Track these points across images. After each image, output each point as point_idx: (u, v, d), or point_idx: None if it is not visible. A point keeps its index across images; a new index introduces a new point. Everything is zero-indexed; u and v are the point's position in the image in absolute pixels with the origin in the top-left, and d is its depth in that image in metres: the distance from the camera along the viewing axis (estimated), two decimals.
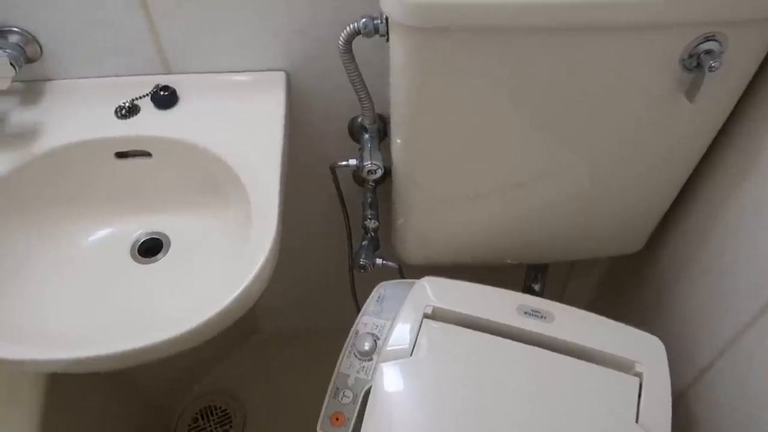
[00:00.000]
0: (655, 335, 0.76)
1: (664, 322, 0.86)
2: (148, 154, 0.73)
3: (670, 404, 0.70)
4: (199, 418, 1.20)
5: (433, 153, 0.71)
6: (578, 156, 0.73)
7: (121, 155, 0.73)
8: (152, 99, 0.74)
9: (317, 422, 0.75)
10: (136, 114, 0.73)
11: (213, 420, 1.20)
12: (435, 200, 0.78)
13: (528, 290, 0.98)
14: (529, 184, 0.77)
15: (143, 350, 0.54)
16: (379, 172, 0.74)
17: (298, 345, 1.29)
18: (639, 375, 0.72)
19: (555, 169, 0.75)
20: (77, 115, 0.73)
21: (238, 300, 0.58)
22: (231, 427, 1.19)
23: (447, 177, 0.74)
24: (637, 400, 0.70)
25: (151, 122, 0.73)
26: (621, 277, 1.04)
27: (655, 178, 0.77)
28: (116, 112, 0.73)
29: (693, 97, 0.61)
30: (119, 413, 1.02)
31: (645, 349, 0.74)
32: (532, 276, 0.99)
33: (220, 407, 1.22)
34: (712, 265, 0.75)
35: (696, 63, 0.60)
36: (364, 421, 0.71)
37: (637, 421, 0.69)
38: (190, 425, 1.19)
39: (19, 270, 0.68)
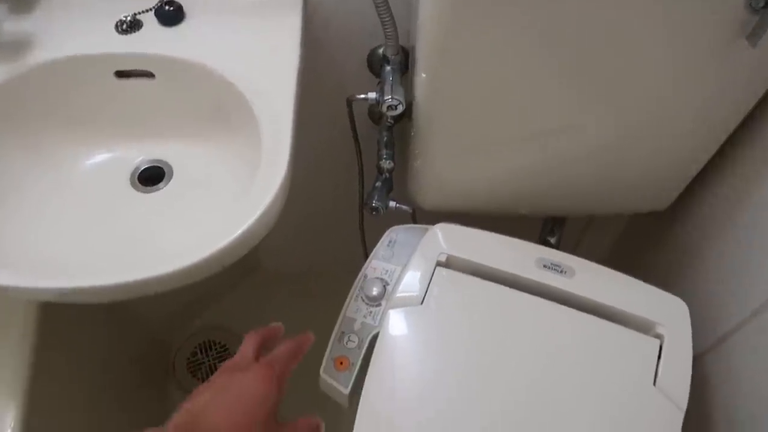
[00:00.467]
0: (670, 292, 0.73)
1: (686, 285, 0.82)
2: (150, 75, 0.67)
3: (690, 369, 0.67)
4: (198, 352, 1.19)
5: (459, 91, 0.65)
6: (613, 105, 0.67)
7: (121, 74, 0.67)
8: (156, 14, 0.68)
9: (319, 364, 0.73)
10: (138, 29, 0.67)
11: (212, 355, 1.19)
12: (457, 143, 0.73)
13: (543, 243, 0.94)
14: (558, 133, 0.71)
15: (138, 284, 0.51)
16: (400, 108, 0.68)
17: (302, 285, 1.26)
18: (660, 337, 0.69)
19: (587, 117, 0.69)
20: (73, 28, 0.66)
21: (242, 238, 0.54)
22: None
23: (472, 118, 0.68)
24: (656, 363, 0.67)
25: (154, 39, 0.66)
26: (641, 236, 1.00)
27: (693, 134, 0.71)
28: (117, 26, 0.67)
29: (756, 42, 0.55)
30: (116, 344, 1.00)
31: (668, 310, 0.71)
32: (549, 229, 0.95)
33: (220, 342, 1.20)
34: (745, 234, 0.71)
35: (764, 3, 0.54)
36: (369, 367, 0.69)
37: (654, 384, 0.66)
38: (188, 359, 1.18)
39: (12, 192, 0.64)
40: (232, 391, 0.43)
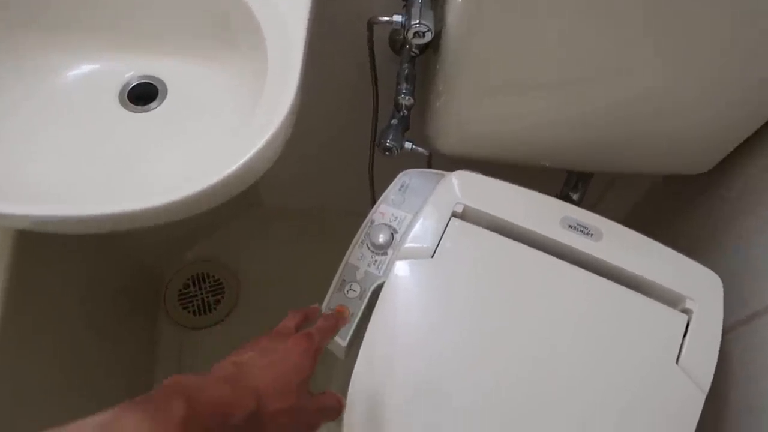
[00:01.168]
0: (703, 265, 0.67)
1: (718, 256, 0.76)
2: None
3: (717, 350, 0.62)
4: (191, 284, 1.15)
5: (500, 21, 0.56)
6: (670, 48, 0.59)
7: None
8: None
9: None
10: None
11: (205, 288, 1.15)
12: (487, 82, 0.65)
13: (565, 198, 0.88)
14: (598, 79, 0.64)
15: (123, 216, 0.44)
16: (428, 36, 0.59)
17: (303, 223, 1.20)
18: (688, 312, 0.64)
19: (634, 65, 0.61)
20: None
21: (242, 171, 0.47)
22: (223, 297, 1.13)
23: (510, 54, 0.60)
24: (681, 340, 0.62)
25: None
26: (670, 199, 0.93)
27: (749, 93, 0.63)
28: None
29: None
30: (104, 272, 0.95)
31: (700, 284, 0.65)
32: (573, 183, 0.88)
33: (214, 276, 1.16)
34: None
35: None
36: (370, 321, 0.64)
37: (677, 362, 0.61)
38: (180, 291, 1.14)
39: None
40: (275, 355, 0.46)
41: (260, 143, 0.48)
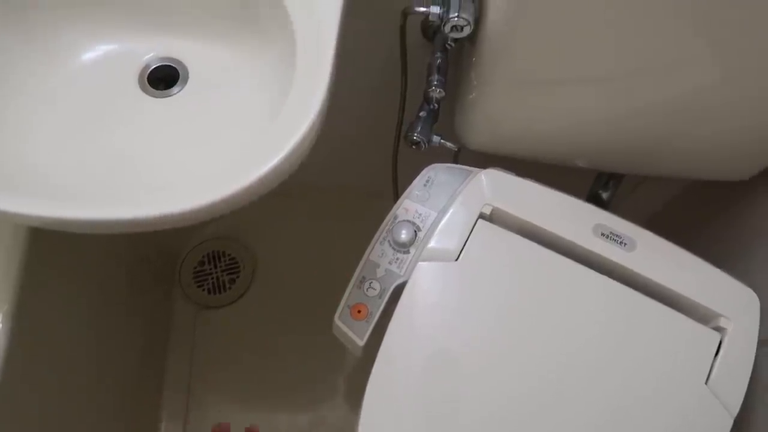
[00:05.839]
0: (740, 281, 0.64)
1: (750, 270, 0.73)
2: None
3: (750, 371, 0.60)
4: (206, 261, 1.14)
5: (546, 12, 0.52)
6: (718, 50, 0.55)
7: None
8: None
9: (333, 301, 0.66)
10: None
11: (220, 266, 1.13)
12: (525, 76, 0.61)
13: (594, 197, 0.84)
14: (646, 75, 0.59)
15: (136, 222, 0.42)
16: (467, 30, 0.56)
17: (325, 205, 1.17)
18: (721, 330, 0.61)
19: (685, 60, 0.57)
20: None
21: (271, 174, 0.45)
22: (238, 276, 1.12)
23: (553, 47, 0.56)
24: (713, 360, 0.60)
25: None
26: (705, 203, 0.89)
27: None
28: None
29: None
30: (119, 248, 0.94)
31: (735, 302, 0.63)
32: (603, 182, 0.84)
33: (230, 254, 1.14)
34: None
35: None
36: (390, 323, 0.62)
37: (706, 383, 0.59)
38: (195, 268, 1.13)
39: None
40: None
41: (294, 140, 0.45)
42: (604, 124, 0.67)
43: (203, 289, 1.11)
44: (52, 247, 0.71)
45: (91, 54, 0.58)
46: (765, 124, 0.64)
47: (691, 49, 0.56)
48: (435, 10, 0.57)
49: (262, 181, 0.44)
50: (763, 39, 0.54)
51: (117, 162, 0.53)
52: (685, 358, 0.60)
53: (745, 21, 0.52)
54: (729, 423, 0.58)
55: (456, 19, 0.54)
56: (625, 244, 0.64)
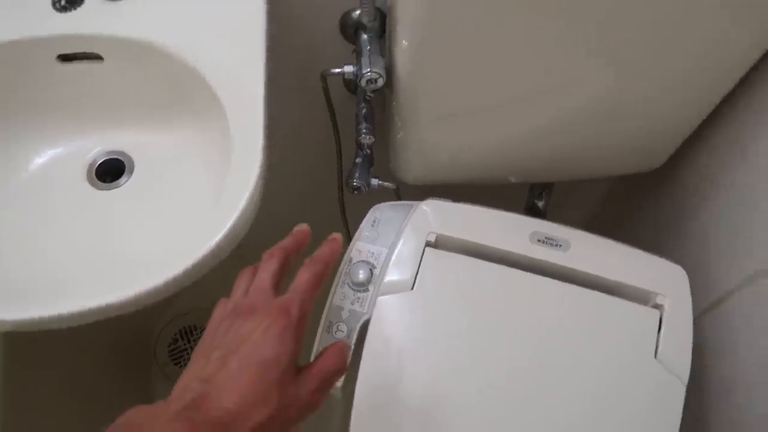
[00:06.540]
0: (671, 260, 0.71)
1: (678, 247, 0.80)
2: (98, 57, 0.60)
3: (691, 339, 0.65)
4: (179, 338, 1.15)
5: (447, 56, 0.59)
6: (612, 57, 0.62)
7: (65, 58, 0.60)
8: None
9: (307, 349, 0.69)
10: (78, 5, 0.59)
11: (193, 340, 1.15)
12: (443, 110, 0.67)
13: (531, 208, 0.91)
14: (547, 96, 0.66)
15: (100, 309, 0.46)
16: (381, 82, 0.62)
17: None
18: (659, 307, 0.67)
19: (579, 78, 0.64)
20: (2, 6, 0.58)
21: (225, 238, 0.49)
22: None
23: (462, 83, 0.63)
24: (657, 335, 0.65)
25: (97, 16, 0.59)
26: (631, 196, 0.97)
27: (693, 87, 0.67)
28: (54, 2, 0.59)
29: None
30: (94, 333, 0.95)
31: (667, 279, 0.69)
32: (537, 193, 0.91)
33: (201, 327, 1.16)
34: (747, 194, 0.68)
35: None
36: (362, 359, 0.66)
37: (655, 357, 0.64)
38: (170, 346, 1.14)
39: None
40: (246, 347, 0.37)
41: (238, 209, 0.50)
42: (523, 141, 0.74)
43: (179, 366, 1.12)
44: (22, 345, 0.73)
45: (40, 159, 0.62)
46: (658, 120, 0.71)
47: (580, 67, 0.63)
48: (349, 69, 0.63)
49: (213, 252, 0.48)
50: (638, 52, 0.61)
51: (73, 256, 0.57)
52: (632, 338, 0.66)
53: (624, 39, 0.60)
54: (682, 390, 0.63)
55: (369, 74, 0.61)
56: (560, 245, 0.70)
